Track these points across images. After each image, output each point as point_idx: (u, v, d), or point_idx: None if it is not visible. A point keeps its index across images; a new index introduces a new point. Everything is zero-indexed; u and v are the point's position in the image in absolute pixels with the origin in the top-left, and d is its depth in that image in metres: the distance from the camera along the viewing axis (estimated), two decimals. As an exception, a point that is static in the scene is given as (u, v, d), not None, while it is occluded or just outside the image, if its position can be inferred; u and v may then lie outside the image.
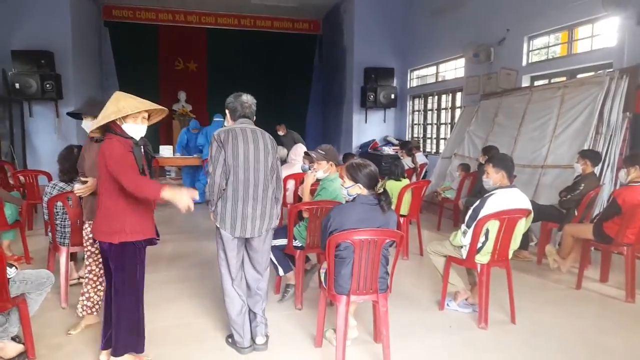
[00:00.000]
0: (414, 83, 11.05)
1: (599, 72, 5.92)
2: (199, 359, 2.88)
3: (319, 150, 3.68)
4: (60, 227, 3.63)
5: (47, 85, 8.81)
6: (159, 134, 11.61)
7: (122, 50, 11.70)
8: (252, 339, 2.94)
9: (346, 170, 2.83)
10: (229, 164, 2.72)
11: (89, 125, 3.04)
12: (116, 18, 11.63)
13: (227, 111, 2.93)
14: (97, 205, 2.49)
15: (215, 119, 8.09)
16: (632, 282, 3.85)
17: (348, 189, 2.81)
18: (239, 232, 2.79)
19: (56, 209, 3.62)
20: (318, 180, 3.76)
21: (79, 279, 4.04)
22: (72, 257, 4.06)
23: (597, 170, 4.94)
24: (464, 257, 3.42)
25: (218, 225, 2.81)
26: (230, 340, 3.01)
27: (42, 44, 8.90)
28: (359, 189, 2.77)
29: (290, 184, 5.43)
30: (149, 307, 3.54)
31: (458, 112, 9.20)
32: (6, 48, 8.70)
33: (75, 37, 9.53)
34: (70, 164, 3.58)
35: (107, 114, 2.37)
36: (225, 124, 2.97)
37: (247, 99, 2.90)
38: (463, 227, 3.43)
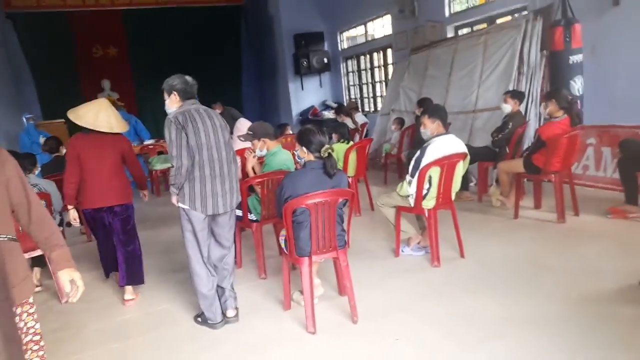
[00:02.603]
0: (345, 45, 11.11)
1: (516, 15, 6.25)
2: (174, 341, 2.92)
3: (247, 132, 3.76)
4: (2, 236, 3.45)
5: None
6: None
7: (30, 42, 10.79)
8: (223, 313, 3.01)
9: (296, 137, 2.95)
10: (192, 145, 2.73)
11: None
12: (18, 8, 10.62)
13: (173, 93, 2.88)
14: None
15: None
16: (561, 204, 4.24)
17: (297, 153, 2.93)
18: (211, 210, 2.82)
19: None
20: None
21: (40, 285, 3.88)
22: (38, 262, 3.86)
23: (522, 107, 5.30)
24: (412, 205, 3.63)
25: (187, 207, 2.80)
26: (200, 319, 3.06)
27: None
28: (305, 154, 2.86)
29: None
30: (113, 303, 3.55)
31: (391, 68, 9.40)
32: None
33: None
34: None
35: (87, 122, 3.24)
36: (170, 106, 2.91)
37: (190, 78, 2.89)
38: (408, 177, 3.62)
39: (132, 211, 3.59)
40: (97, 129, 3.24)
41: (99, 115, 3.27)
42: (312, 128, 2.91)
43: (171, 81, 2.89)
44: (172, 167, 2.82)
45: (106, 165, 3.36)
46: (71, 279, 1.75)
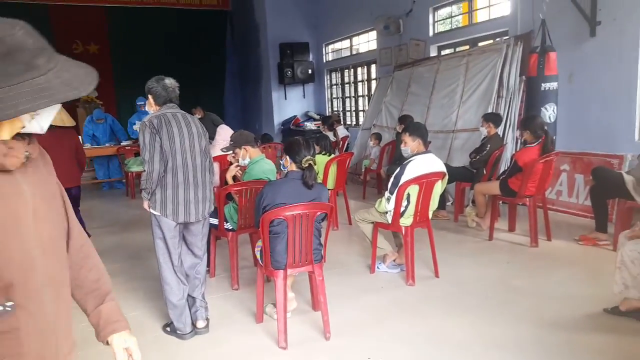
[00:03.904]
0: (330, 57, 11.18)
1: (497, 39, 6.40)
2: (140, 350, 2.82)
3: (230, 142, 3.73)
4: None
5: None
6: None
7: None
8: (193, 324, 2.94)
9: (283, 147, 3.00)
10: (165, 150, 2.67)
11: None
12: (-7, -1, 10.37)
13: (149, 96, 2.82)
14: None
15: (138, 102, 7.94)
16: (535, 229, 4.32)
17: (282, 162, 2.94)
18: (182, 218, 2.76)
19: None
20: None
21: None
22: None
23: (500, 130, 5.41)
24: (390, 221, 3.63)
25: (158, 213, 2.73)
26: (168, 328, 2.98)
27: None
28: (289, 163, 2.86)
29: (215, 167, 5.34)
30: (75, 307, 3.41)
31: (374, 83, 9.49)
32: None
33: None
34: None
35: None
36: (148, 109, 2.86)
37: (171, 82, 2.82)
38: (387, 194, 3.63)
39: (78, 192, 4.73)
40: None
41: None
42: (300, 140, 2.93)
43: (149, 84, 2.82)
44: (144, 171, 2.76)
45: (64, 154, 4.18)
46: (126, 346, 1.33)
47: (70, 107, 11.04)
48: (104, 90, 11.49)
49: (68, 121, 4.46)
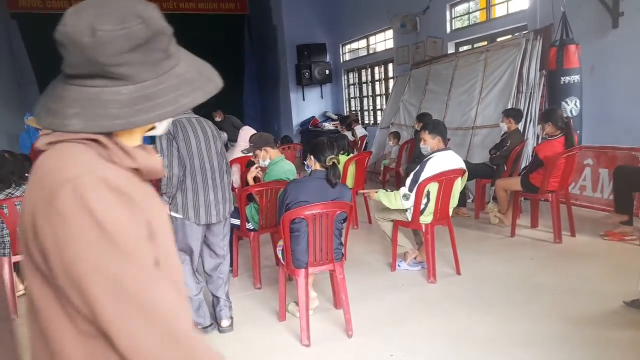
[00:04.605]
0: (347, 57, 11.19)
1: (516, 34, 6.32)
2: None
3: (249, 144, 3.79)
4: (-1, 237, 3.47)
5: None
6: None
7: (34, 43, 10.82)
8: (217, 323, 3.00)
9: (309, 147, 3.05)
10: (183, 154, 2.74)
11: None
12: (23, 9, 10.66)
13: None
14: None
15: None
16: (558, 224, 4.26)
17: (306, 162, 3.01)
18: (204, 219, 2.82)
19: (-9, 219, 3.44)
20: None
21: (25, 290, 3.87)
22: (15, 267, 3.88)
23: (520, 126, 5.35)
24: (409, 219, 3.64)
25: (180, 216, 2.81)
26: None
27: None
28: (313, 163, 2.91)
29: (236, 168, 5.43)
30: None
31: (391, 82, 9.47)
32: None
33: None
34: (7, 170, 3.46)
35: None
36: None
37: None
38: (403, 189, 3.60)
39: None
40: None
41: None
42: (325, 140, 3.03)
43: None
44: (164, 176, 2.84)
45: None
46: None
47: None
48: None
49: None
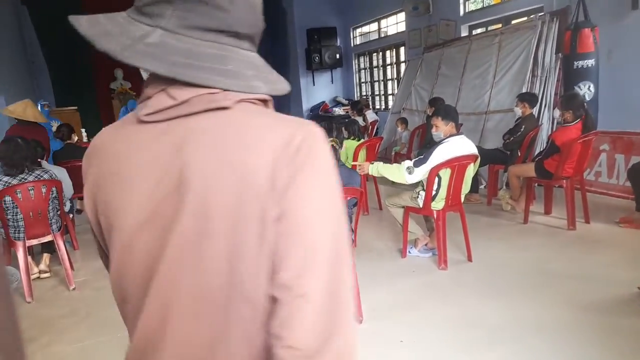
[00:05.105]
0: (358, 41, 11.05)
1: (532, 16, 6.17)
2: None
3: None
4: (13, 222, 3.50)
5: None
6: (99, 115, 11.08)
7: (45, 29, 10.83)
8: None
9: None
10: None
11: None
12: (33, -6, 10.70)
13: None
14: None
15: None
16: (572, 211, 4.20)
17: None
18: None
19: (5, 203, 3.47)
20: None
21: (39, 273, 3.94)
22: (48, 248, 3.95)
23: (535, 111, 5.25)
24: (421, 205, 3.61)
25: None
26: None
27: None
28: None
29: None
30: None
31: (403, 66, 9.34)
32: None
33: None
34: (21, 156, 3.48)
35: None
36: None
37: None
38: (408, 162, 3.49)
39: None
40: (25, 119, 4.49)
41: (27, 109, 4.51)
42: (324, 124, 2.96)
43: None
44: None
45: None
46: None
47: (105, 97, 11.41)
48: (137, 81, 11.79)
49: (41, 119, 4.89)
